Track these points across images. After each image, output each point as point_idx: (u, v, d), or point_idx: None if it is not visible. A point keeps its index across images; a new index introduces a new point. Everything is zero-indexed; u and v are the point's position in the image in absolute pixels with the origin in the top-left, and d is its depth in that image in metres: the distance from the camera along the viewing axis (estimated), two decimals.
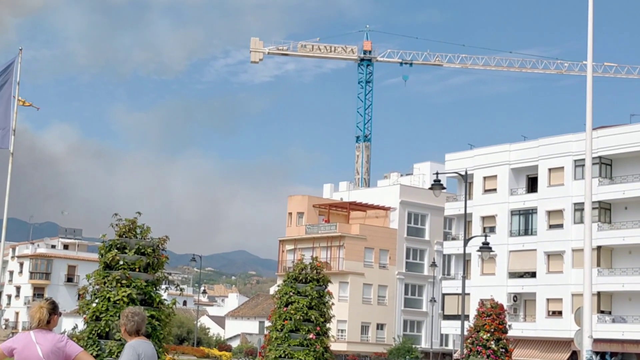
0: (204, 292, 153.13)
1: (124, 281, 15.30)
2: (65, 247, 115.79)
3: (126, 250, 15.63)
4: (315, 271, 20.83)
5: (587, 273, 19.94)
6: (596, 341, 54.00)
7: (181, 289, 17.25)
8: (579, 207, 62.42)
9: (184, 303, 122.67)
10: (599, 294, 60.86)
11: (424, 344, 79.97)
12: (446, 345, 79.89)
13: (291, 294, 20.58)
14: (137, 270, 15.55)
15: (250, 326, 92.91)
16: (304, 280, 20.73)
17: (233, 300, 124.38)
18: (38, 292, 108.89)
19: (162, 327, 15.44)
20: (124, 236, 15.82)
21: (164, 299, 15.84)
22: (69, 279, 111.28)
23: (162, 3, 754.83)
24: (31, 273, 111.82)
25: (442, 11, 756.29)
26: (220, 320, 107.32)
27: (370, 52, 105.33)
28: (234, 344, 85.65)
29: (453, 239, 72.65)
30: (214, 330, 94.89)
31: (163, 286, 16.28)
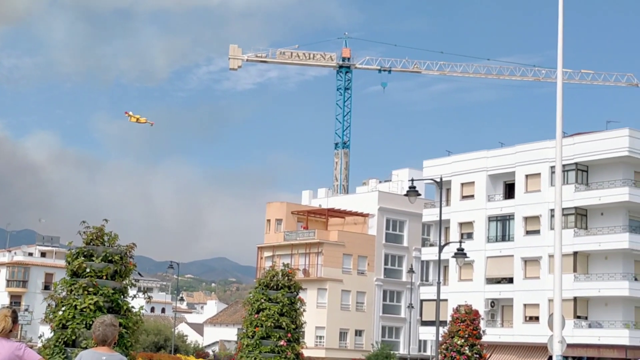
0: (182, 299, 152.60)
1: (90, 289, 15.23)
2: (43, 254, 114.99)
3: (93, 258, 15.56)
4: (286, 278, 20.82)
5: (557, 279, 20.06)
6: (573, 346, 54.45)
7: (149, 297, 17.02)
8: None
9: (162, 310, 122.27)
10: (575, 299, 61.21)
11: (402, 350, 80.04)
12: (424, 351, 79.99)
13: (262, 300, 20.56)
14: (105, 277, 15.48)
15: (229, 333, 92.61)
16: (275, 287, 20.72)
17: (212, 307, 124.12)
18: (15, 300, 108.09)
19: (130, 335, 15.37)
20: (91, 244, 15.75)
21: (132, 307, 15.78)
22: (46, 287, 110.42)
23: (146, 11, 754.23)
24: (8, 281, 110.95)
25: (426, 20, 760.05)
26: (198, 328, 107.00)
27: (349, 59, 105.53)
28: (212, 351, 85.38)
29: (431, 245, 72.83)
30: (192, 337, 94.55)
31: (131, 293, 16.21)
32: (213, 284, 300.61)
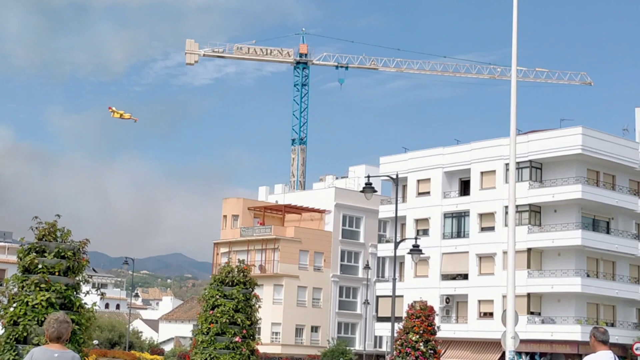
0: (137, 295, 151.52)
1: (43, 285, 15.04)
2: None
3: (46, 254, 15.38)
4: (242, 274, 20.77)
5: (510, 276, 20.27)
6: (526, 342, 55.09)
7: (102, 293, 16.79)
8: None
9: (117, 306, 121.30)
10: (529, 295, 61.91)
11: (358, 346, 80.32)
12: (380, 347, 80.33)
13: (217, 297, 20.48)
14: (57, 274, 15.30)
15: (185, 329, 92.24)
16: (230, 283, 20.66)
17: (167, 303, 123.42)
18: None
19: (82, 332, 15.21)
20: (43, 239, 15.55)
21: (85, 303, 15.62)
22: None
23: (103, 5, 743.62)
24: None
25: (384, 17, 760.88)
26: (154, 324, 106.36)
27: (306, 55, 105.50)
28: (168, 347, 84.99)
29: (387, 241, 73.14)
30: (147, 333, 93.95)
31: (84, 289, 16.04)
32: (169, 280, 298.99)
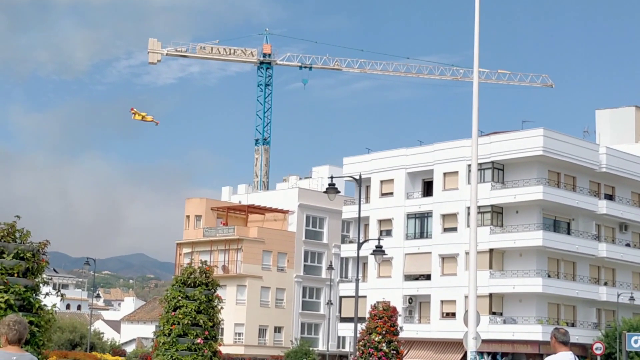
0: (98, 295, 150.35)
1: (1, 287, 14.81)
2: None
3: (4, 255, 15.15)
4: (204, 275, 20.64)
5: (472, 276, 20.38)
6: (488, 342, 55.44)
7: (62, 294, 16.59)
8: None
9: (78, 307, 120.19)
10: (490, 295, 62.37)
11: (321, 347, 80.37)
12: (343, 347, 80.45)
13: (179, 298, 20.32)
14: (16, 275, 15.09)
15: (147, 330, 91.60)
16: (192, 284, 20.52)
17: (129, 304, 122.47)
18: None
19: (42, 334, 15.01)
20: (2, 240, 15.33)
21: (44, 305, 15.42)
22: None
23: (65, 3, 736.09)
24: None
25: (348, 17, 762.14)
26: (115, 325, 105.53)
27: (270, 55, 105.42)
28: (130, 348, 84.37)
29: (350, 242, 73.25)
30: (109, 334, 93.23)
31: (44, 291, 15.84)
32: (131, 281, 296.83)
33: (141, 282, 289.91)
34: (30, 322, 14.54)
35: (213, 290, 20.66)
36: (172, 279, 21.93)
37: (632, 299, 63.53)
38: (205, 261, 22.00)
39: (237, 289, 77.63)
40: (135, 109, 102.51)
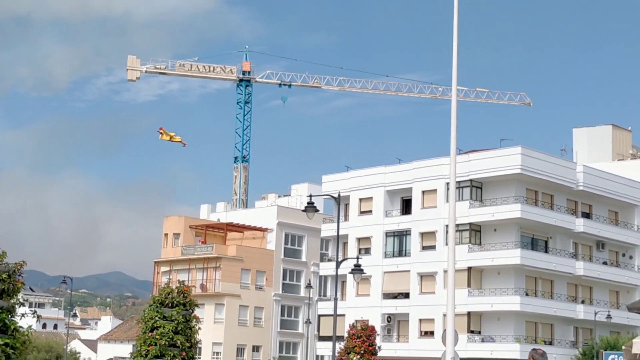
0: (75, 314, 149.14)
1: None
2: None
3: None
4: (182, 295, 20.54)
5: (450, 295, 20.37)
6: None
7: (38, 315, 16.39)
8: None
9: (55, 326, 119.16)
10: (469, 314, 62.38)
11: None
12: None
13: (157, 318, 20.22)
14: None
15: (124, 350, 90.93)
16: (170, 304, 20.42)
17: (106, 323, 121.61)
18: None
19: (17, 356, 14.87)
20: None
21: (20, 326, 15.27)
22: None
23: (45, 19, 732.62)
24: None
25: (329, 35, 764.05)
26: (92, 344, 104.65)
27: (249, 72, 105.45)
28: None
29: (329, 260, 73.12)
30: (86, 354, 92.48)
31: (20, 312, 15.69)
32: (108, 299, 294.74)
33: (119, 301, 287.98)
34: (6, 344, 14.41)
35: (191, 310, 20.57)
36: (150, 298, 21.77)
37: (609, 317, 63.75)
38: (184, 281, 21.91)
39: (215, 307, 77.22)
40: (163, 129, 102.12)
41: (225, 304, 77.43)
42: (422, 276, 66.13)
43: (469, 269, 62.83)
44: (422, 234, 66.59)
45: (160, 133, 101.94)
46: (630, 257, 71.42)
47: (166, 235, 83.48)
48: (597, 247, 69.10)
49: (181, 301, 20.41)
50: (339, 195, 40.16)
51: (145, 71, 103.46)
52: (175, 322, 20.10)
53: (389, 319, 67.83)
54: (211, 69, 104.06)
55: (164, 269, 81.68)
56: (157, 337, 19.91)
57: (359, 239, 70.50)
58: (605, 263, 69.16)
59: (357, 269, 37.53)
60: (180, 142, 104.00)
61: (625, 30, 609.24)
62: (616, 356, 44.11)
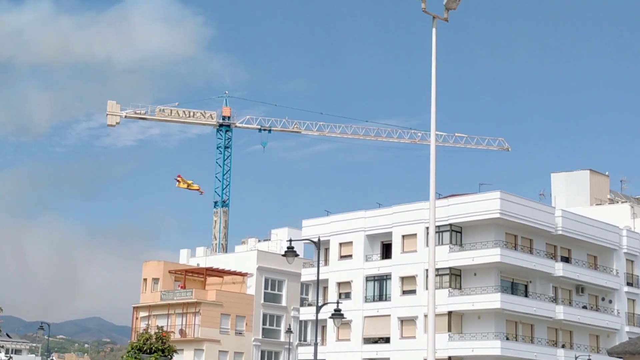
0: None
1: None
2: None
3: None
4: (160, 341, 20.41)
5: (430, 339, 20.33)
6: None
7: (10, 357, 16.23)
8: None
9: None
10: (450, 358, 62.12)
11: None
12: None
13: None
14: None
15: None
16: (148, 350, 20.31)
17: None
18: None
19: None
20: None
21: None
22: None
23: (26, 64, 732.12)
24: None
25: (310, 81, 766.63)
26: None
27: (229, 117, 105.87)
28: None
29: (309, 305, 72.86)
30: None
31: None
32: (86, 345, 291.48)
33: (97, 347, 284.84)
34: None
35: (169, 356, 20.45)
36: (128, 344, 21.61)
37: None
38: (162, 326, 21.80)
39: (194, 353, 76.53)
40: (181, 177, 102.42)
41: (205, 349, 76.77)
42: (403, 321, 65.96)
43: (450, 313, 62.74)
44: (403, 278, 66.55)
45: (178, 181, 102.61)
46: (610, 302, 71.64)
47: (145, 280, 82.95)
48: (576, 291, 69.28)
49: (160, 347, 20.31)
50: (319, 239, 40.18)
51: (125, 116, 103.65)
52: None
53: None
54: (191, 114, 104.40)
55: (142, 314, 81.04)
56: None
57: (339, 284, 70.33)
58: (585, 307, 69.29)
59: (338, 314, 37.42)
60: (197, 190, 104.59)
61: (603, 76, 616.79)
62: None
